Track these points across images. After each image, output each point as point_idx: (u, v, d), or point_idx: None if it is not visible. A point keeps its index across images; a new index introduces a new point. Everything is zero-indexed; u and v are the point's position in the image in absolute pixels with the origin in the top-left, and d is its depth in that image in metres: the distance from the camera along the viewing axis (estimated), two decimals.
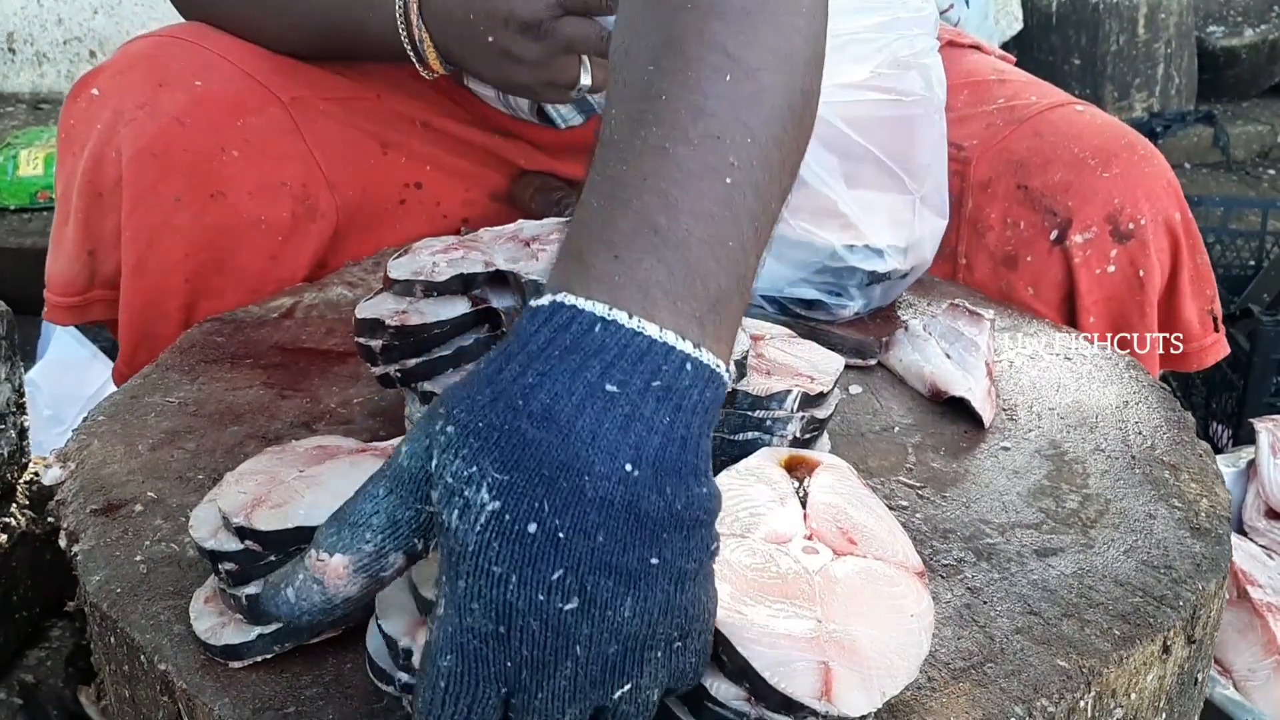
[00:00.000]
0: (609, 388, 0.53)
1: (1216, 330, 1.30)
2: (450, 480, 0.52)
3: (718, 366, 0.56)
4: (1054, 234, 1.20)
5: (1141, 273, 1.20)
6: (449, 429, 0.53)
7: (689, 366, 0.55)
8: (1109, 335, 1.23)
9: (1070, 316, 1.23)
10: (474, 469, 0.52)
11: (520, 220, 0.86)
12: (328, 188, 1.21)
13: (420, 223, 1.29)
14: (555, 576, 0.51)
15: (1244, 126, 3.76)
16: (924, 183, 1.03)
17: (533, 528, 0.51)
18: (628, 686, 0.53)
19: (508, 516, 0.51)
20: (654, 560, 0.53)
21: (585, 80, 1.09)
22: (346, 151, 1.24)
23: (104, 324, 1.29)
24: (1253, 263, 2.27)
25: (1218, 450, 1.67)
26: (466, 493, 0.52)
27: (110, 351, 1.66)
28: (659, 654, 0.54)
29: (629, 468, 0.52)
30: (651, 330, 0.54)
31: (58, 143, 1.23)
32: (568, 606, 0.51)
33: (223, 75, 1.18)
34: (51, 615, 1.33)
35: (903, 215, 1.03)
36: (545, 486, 0.51)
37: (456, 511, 0.52)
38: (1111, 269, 1.20)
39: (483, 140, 1.34)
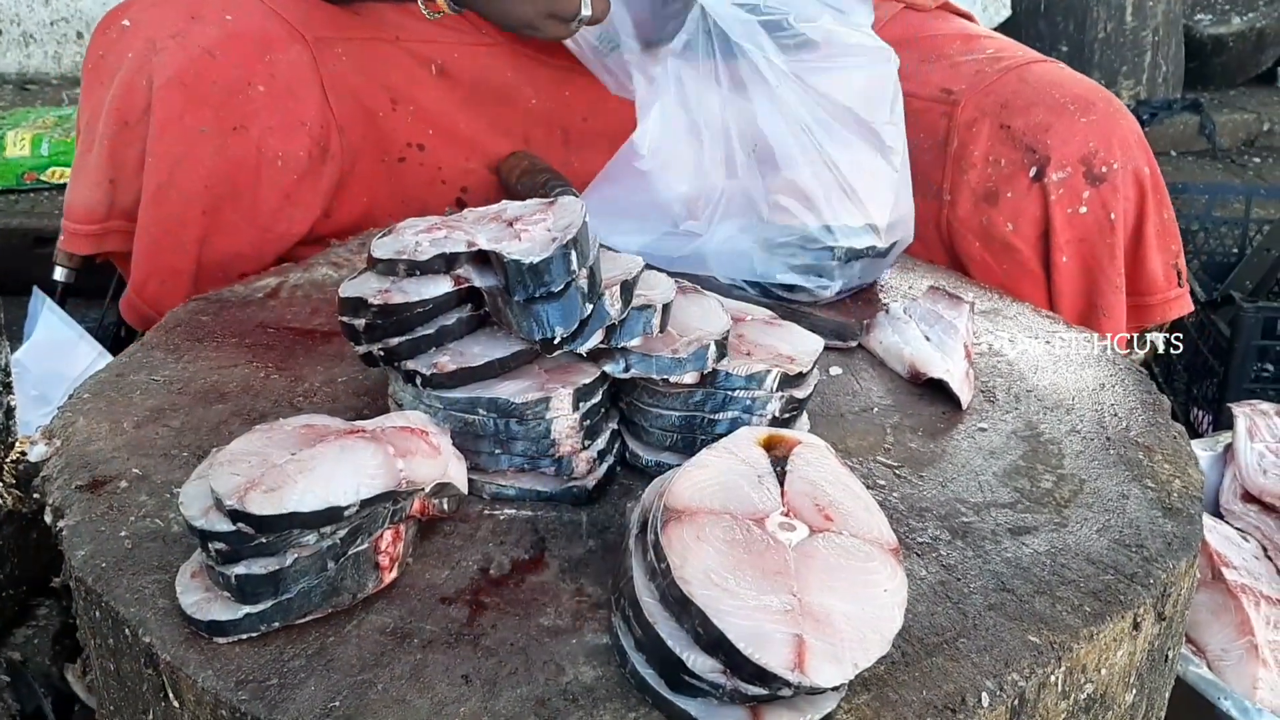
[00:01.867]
0: None
1: (1180, 285, 1.33)
2: None
3: None
4: (1033, 171, 1.24)
5: (1112, 215, 1.24)
6: None
7: None
8: (1080, 277, 1.27)
9: (1046, 255, 1.26)
10: None
11: (504, 201, 0.86)
12: (337, 130, 1.23)
13: (419, 184, 1.32)
14: None
15: (1230, 114, 3.77)
16: (895, 163, 1.05)
17: None
18: None
19: None
20: None
21: (586, 10, 1.10)
22: (358, 98, 1.26)
23: (115, 257, 1.30)
24: (1236, 250, 2.27)
25: (1198, 435, 1.68)
26: None
27: (97, 333, 1.66)
28: None
29: None
30: None
31: (83, 74, 1.24)
32: None
33: (251, 11, 1.21)
34: (39, 594, 1.33)
35: (883, 195, 1.04)
36: None
37: None
38: (1084, 210, 1.24)
39: (497, 83, 1.35)
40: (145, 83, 1.15)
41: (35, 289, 1.65)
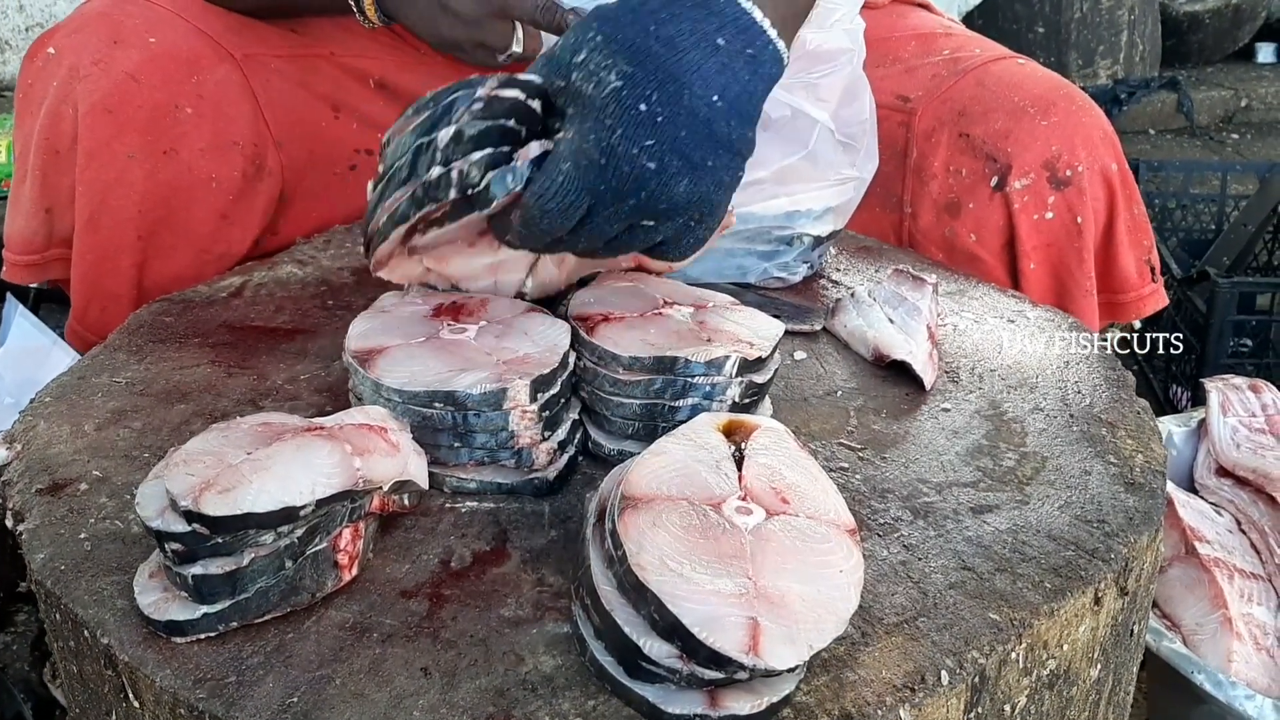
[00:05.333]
0: (719, 41, 0.76)
1: (1154, 280, 1.32)
2: (591, 66, 0.75)
3: (785, 54, 0.79)
4: (994, 180, 1.22)
5: (1079, 219, 1.22)
6: (597, 36, 0.75)
7: (770, 48, 0.78)
8: (1049, 282, 1.25)
9: (1012, 263, 1.25)
10: (610, 61, 0.74)
11: None
12: (274, 146, 1.21)
13: None
14: (648, 143, 0.73)
15: (1208, 92, 3.78)
16: (860, 141, 1.05)
17: (642, 107, 0.73)
18: (653, 228, 0.78)
19: (625, 94, 0.73)
20: (710, 163, 0.76)
21: (516, 48, 1.09)
22: (296, 112, 1.24)
23: (61, 283, 1.29)
24: (1213, 227, 2.28)
25: (1177, 411, 1.69)
26: (600, 74, 0.74)
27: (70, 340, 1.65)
28: (680, 221, 0.77)
29: (715, 98, 0.75)
30: (756, 14, 0.78)
31: (15, 103, 1.23)
32: (649, 164, 0.74)
33: (176, 32, 1.18)
34: (16, 600, 1.33)
35: (843, 176, 1.04)
36: (656, 84, 0.74)
37: (592, 84, 0.74)
38: (1050, 215, 1.22)
39: None
40: (71, 111, 1.13)
41: (8, 295, 1.64)
